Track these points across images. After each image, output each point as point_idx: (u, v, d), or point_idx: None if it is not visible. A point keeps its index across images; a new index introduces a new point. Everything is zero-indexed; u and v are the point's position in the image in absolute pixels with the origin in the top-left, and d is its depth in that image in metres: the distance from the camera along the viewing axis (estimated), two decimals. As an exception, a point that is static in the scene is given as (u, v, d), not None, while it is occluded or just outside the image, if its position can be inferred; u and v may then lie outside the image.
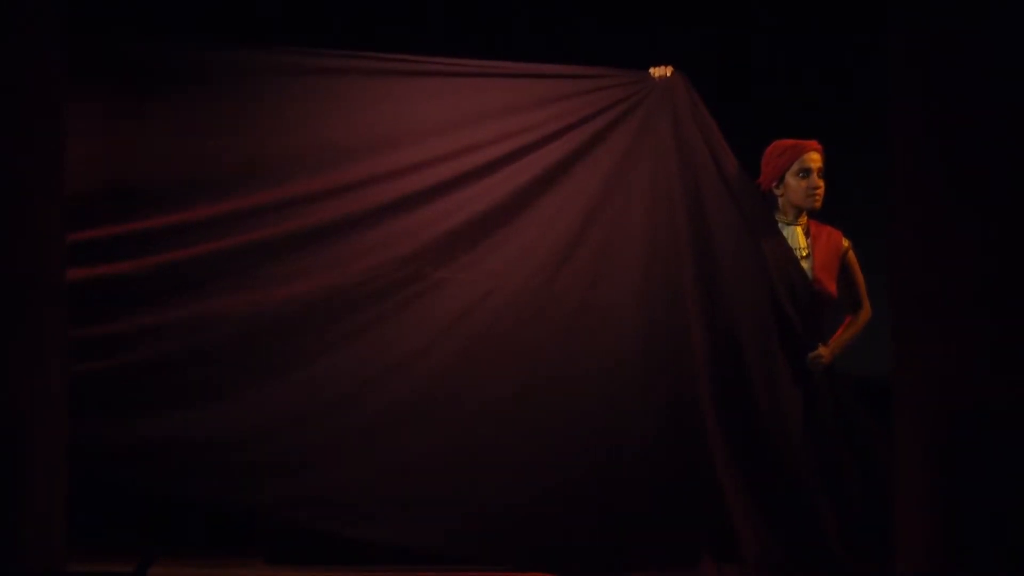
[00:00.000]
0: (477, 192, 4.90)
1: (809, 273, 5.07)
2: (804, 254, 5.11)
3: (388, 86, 4.92)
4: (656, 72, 5.04)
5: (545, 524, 4.75)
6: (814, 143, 5.12)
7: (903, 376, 3.73)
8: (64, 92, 3.83)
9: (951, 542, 3.59)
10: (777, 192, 5.15)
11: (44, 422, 3.68)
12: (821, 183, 5.09)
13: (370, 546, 4.72)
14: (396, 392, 4.76)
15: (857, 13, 5.27)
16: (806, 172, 5.10)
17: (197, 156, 4.79)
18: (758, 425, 4.90)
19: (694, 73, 5.10)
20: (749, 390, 4.92)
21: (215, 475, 4.64)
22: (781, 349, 4.97)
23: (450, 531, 4.73)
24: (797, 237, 5.13)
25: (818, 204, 5.12)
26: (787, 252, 5.05)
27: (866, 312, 5.19)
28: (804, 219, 5.16)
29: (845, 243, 5.18)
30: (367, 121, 4.89)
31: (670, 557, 4.74)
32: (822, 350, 5.04)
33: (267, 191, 4.80)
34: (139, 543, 4.51)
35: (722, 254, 4.98)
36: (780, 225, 5.13)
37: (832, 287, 5.10)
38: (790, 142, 5.14)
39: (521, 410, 4.79)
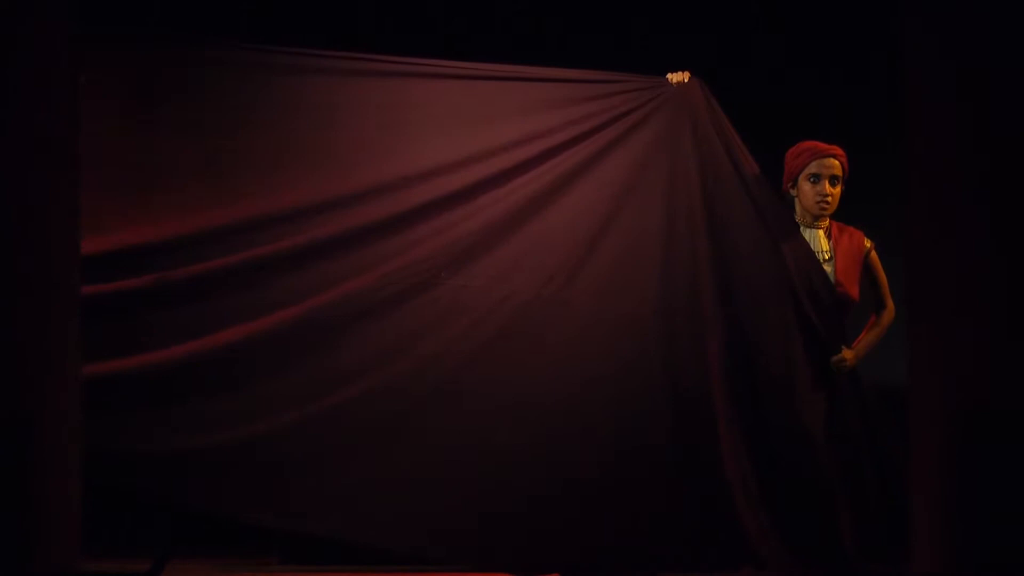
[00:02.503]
0: (493, 198, 4.89)
1: (831, 277, 5.02)
2: (826, 257, 5.06)
3: (404, 89, 4.91)
4: (674, 78, 5.02)
5: (555, 528, 4.75)
6: (833, 148, 5.06)
7: (919, 377, 3.71)
8: (76, 93, 3.84)
9: (967, 544, 3.57)
10: (793, 194, 5.12)
11: (58, 422, 3.69)
12: (832, 190, 5.03)
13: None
14: (409, 396, 4.76)
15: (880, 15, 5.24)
16: (816, 177, 5.05)
17: (209, 161, 4.80)
18: (779, 431, 4.88)
19: (715, 76, 5.09)
20: (770, 395, 4.90)
21: (226, 481, 4.66)
22: (803, 353, 4.93)
23: (459, 535, 4.74)
24: (819, 240, 5.09)
25: (827, 211, 5.06)
26: (809, 256, 5.01)
27: (890, 312, 5.15)
28: (826, 221, 5.11)
29: (867, 243, 5.13)
30: (381, 125, 4.89)
31: (682, 560, 4.74)
32: (846, 353, 4.99)
33: (281, 197, 4.80)
34: (153, 542, 4.52)
35: (742, 260, 4.96)
36: (802, 228, 5.09)
37: (854, 291, 5.06)
38: (809, 144, 5.09)
39: (533, 416, 4.80)
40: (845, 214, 5.17)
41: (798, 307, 4.95)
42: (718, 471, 4.81)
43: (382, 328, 4.79)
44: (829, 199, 5.04)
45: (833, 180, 5.05)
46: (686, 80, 5.01)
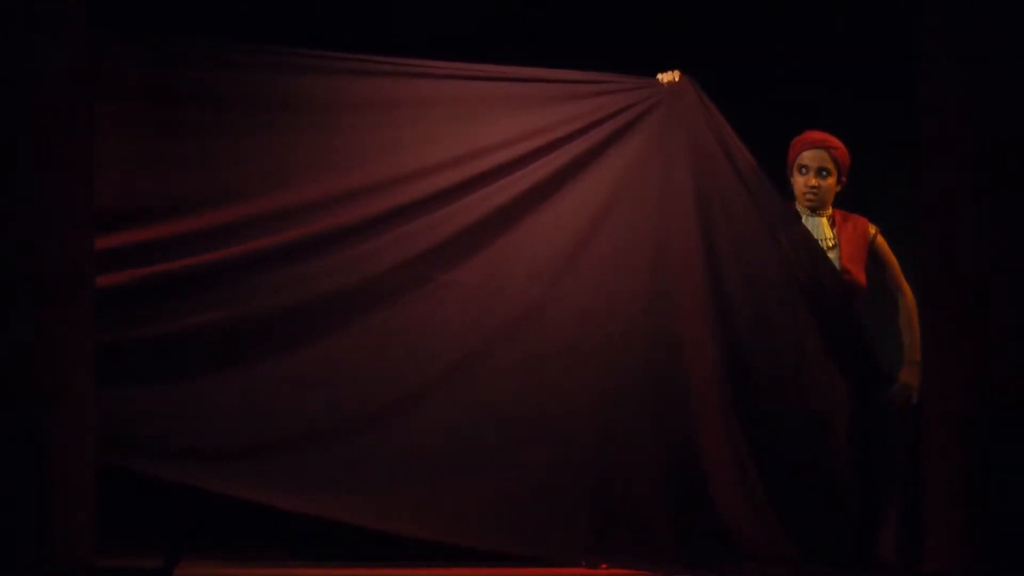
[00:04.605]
0: (484, 196, 4.92)
1: (836, 264, 4.97)
2: (830, 245, 5.02)
3: (396, 90, 4.95)
4: (664, 78, 5.01)
5: (543, 519, 4.78)
6: (824, 140, 5.03)
7: (931, 375, 3.72)
8: (89, 91, 3.86)
9: (979, 540, 3.59)
10: (792, 184, 5.11)
11: (70, 417, 3.70)
12: (821, 182, 5.01)
13: (393, 541, 4.75)
14: (399, 390, 4.81)
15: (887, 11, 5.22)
16: (804, 169, 5.03)
17: (218, 160, 4.84)
18: (786, 427, 4.85)
19: (727, 73, 5.12)
20: (776, 391, 4.88)
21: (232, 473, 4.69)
22: (811, 346, 4.88)
23: (449, 525, 4.75)
24: (822, 228, 5.05)
25: (813, 203, 5.03)
26: (811, 246, 4.96)
27: (909, 297, 5.05)
28: (828, 210, 5.08)
29: (872, 229, 5.08)
30: (377, 124, 4.93)
31: (673, 558, 4.75)
32: (904, 377, 4.89)
33: (281, 195, 4.85)
34: (166, 537, 4.53)
35: (741, 255, 4.93)
36: (804, 217, 5.04)
37: (861, 276, 5.00)
38: (803, 135, 5.07)
39: (522, 411, 4.83)
40: (850, 210, 5.15)
41: (804, 298, 4.91)
42: (710, 469, 4.81)
43: (372, 323, 4.83)
44: (816, 191, 5.02)
45: (821, 172, 5.03)
46: (676, 79, 5.00)
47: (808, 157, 5.05)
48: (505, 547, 4.75)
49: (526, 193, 4.94)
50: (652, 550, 4.76)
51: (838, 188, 5.11)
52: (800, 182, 5.06)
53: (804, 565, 4.73)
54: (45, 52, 3.72)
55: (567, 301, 4.91)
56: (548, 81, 5.03)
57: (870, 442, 4.89)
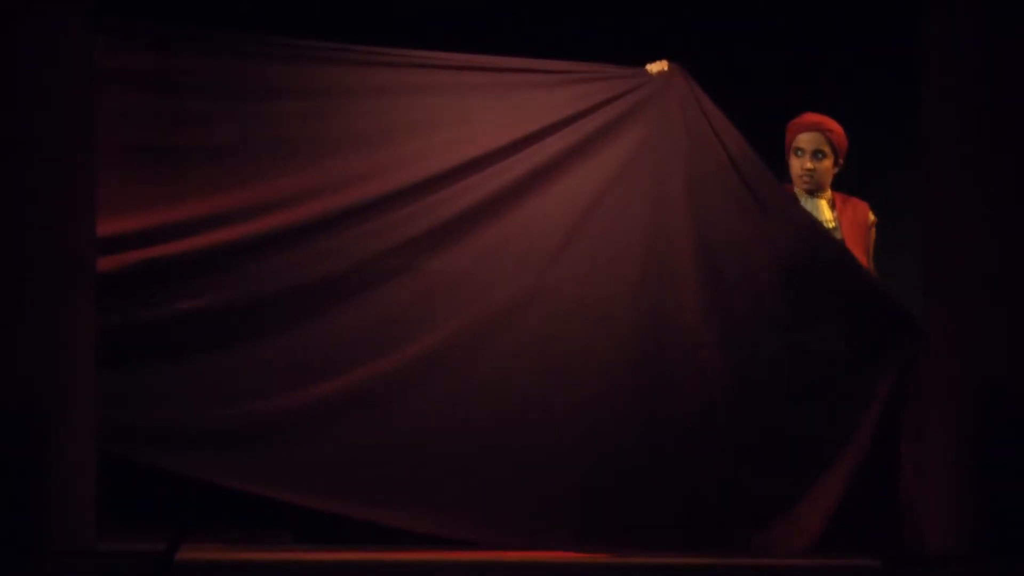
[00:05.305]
0: (474, 183, 4.90)
1: None
2: (831, 227, 5.01)
3: (382, 79, 4.97)
4: (653, 67, 4.99)
5: (534, 508, 4.77)
6: (819, 122, 5.02)
7: (933, 369, 3.73)
8: (92, 82, 3.89)
9: (980, 521, 3.60)
10: (789, 167, 5.11)
11: (73, 402, 3.72)
12: (816, 165, 5.01)
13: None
14: (387, 378, 4.80)
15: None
16: (800, 151, 5.03)
17: (208, 150, 4.85)
18: (788, 411, 4.83)
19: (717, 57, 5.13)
20: (773, 376, 4.84)
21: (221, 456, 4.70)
22: (813, 327, 4.83)
23: (441, 514, 4.74)
24: (822, 210, 5.04)
25: (808, 186, 5.02)
26: (815, 225, 4.91)
27: None
28: (828, 192, 5.07)
29: (872, 217, 5.07)
30: (362, 113, 4.95)
31: (661, 543, 4.75)
32: None
33: (267, 185, 4.86)
34: (168, 521, 4.53)
35: (736, 240, 4.88)
36: (803, 200, 5.02)
37: (864, 260, 4.97)
38: (802, 118, 5.06)
39: (512, 399, 4.81)
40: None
41: (804, 282, 4.84)
42: (705, 457, 4.79)
43: (360, 310, 4.84)
44: (811, 174, 5.02)
45: (817, 155, 5.03)
46: (666, 68, 4.97)
47: (804, 140, 5.05)
48: (495, 539, 4.73)
49: (517, 181, 4.93)
50: (646, 537, 4.76)
51: (835, 170, 5.09)
52: (796, 165, 5.06)
53: (802, 552, 4.72)
54: (48, 44, 3.75)
55: (558, 289, 4.89)
56: (538, 71, 5.04)
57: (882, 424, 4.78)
